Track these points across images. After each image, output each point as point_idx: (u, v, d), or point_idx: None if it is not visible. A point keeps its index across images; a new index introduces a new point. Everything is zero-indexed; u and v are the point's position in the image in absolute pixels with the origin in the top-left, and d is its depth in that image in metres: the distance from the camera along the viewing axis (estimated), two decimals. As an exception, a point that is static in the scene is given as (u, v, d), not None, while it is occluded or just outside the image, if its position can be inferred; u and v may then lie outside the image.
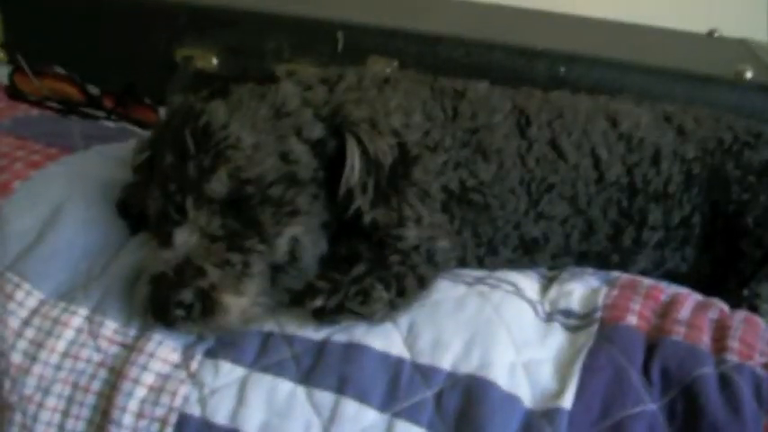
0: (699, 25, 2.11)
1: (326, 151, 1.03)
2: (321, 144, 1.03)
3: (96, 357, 0.99)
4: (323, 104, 1.06)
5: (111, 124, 1.49)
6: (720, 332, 0.98)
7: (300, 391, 0.92)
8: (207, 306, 0.93)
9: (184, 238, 0.96)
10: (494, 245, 1.17)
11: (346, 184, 1.01)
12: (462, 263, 1.14)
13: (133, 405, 0.94)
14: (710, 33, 2.10)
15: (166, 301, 0.93)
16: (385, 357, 0.94)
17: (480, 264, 1.16)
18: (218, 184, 0.97)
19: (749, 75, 1.54)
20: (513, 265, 1.17)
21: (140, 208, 1.09)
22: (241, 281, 0.96)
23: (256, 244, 0.98)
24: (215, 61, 1.73)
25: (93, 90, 1.52)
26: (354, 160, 1.02)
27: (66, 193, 1.13)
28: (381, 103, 1.11)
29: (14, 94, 1.52)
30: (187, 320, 0.94)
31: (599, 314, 1.00)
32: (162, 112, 1.48)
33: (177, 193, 0.98)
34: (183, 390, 0.94)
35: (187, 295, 0.93)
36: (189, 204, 0.97)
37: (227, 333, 0.97)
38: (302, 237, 1.01)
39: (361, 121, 1.04)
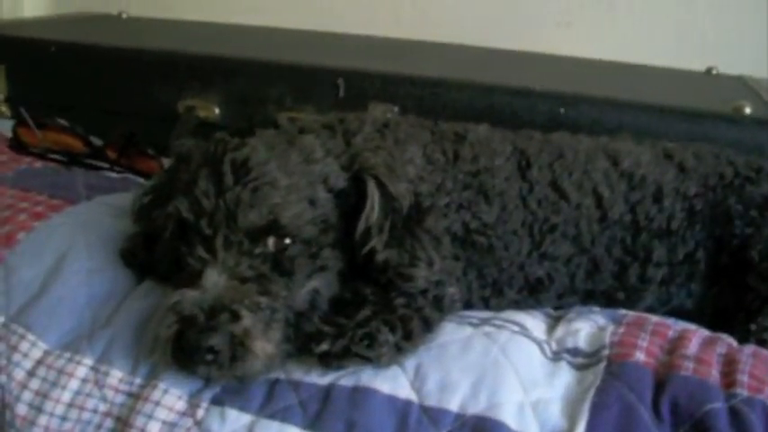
0: (697, 64, 2.13)
1: (347, 202, 1.04)
2: (343, 194, 1.04)
3: (102, 407, 0.98)
4: (341, 153, 1.07)
5: (113, 175, 1.49)
6: (729, 367, 0.97)
7: (308, 437, 0.92)
8: (237, 353, 0.92)
9: (215, 279, 0.95)
10: (499, 286, 1.17)
11: (365, 223, 1.02)
12: (467, 304, 1.14)
13: (140, 454, 0.94)
14: (709, 71, 2.11)
15: (196, 344, 0.91)
16: (392, 401, 0.93)
17: (486, 305, 1.16)
18: (257, 219, 0.97)
19: (748, 110, 1.55)
20: (519, 305, 1.17)
21: (145, 256, 1.10)
22: (270, 327, 0.95)
23: (281, 290, 0.97)
24: (217, 111, 1.75)
25: (96, 141, 1.53)
26: (375, 200, 1.03)
27: (70, 244, 1.14)
28: (398, 152, 1.12)
29: (17, 146, 1.53)
30: (211, 366, 0.92)
31: (606, 352, 1.00)
32: (165, 162, 1.49)
33: (207, 226, 0.97)
34: (190, 438, 0.93)
35: (219, 341, 0.91)
36: (219, 243, 0.96)
37: (247, 380, 0.96)
38: (322, 288, 1.01)
39: (379, 165, 1.05)
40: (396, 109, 1.65)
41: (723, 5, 2.29)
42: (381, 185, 1.04)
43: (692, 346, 1.01)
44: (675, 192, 1.24)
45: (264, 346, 0.94)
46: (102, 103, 1.84)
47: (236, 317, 0.93)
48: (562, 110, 1.59)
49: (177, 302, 0.95)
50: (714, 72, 2.11)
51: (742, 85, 1.95)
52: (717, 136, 1.50)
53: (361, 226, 1.03)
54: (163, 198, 1.05)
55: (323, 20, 2.39)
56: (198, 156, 1.04)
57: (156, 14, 2.48)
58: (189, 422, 0.94)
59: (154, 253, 1.07)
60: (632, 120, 1.57)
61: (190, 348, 0.92)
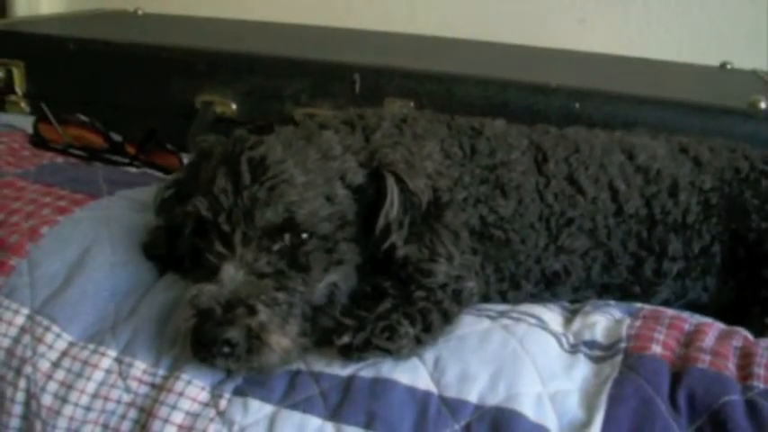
0: (711, 59, 2.13)
1: (365, 198, 1.06)
2: (361, 190, 1.05)
3: (126, 398, 1.00)
4: (360, 150, 1.08)
5: (133, 170, 1.51)
6: (745, 360, 0.98)
7: (329, 427, 0.93)
8: (253, 346, 0.94)
9: (232, 274, 0.97)
10: (516, 279, 1.18)
11: (385, 219, 1.04)
12: (485, 298, 1.15)
13: (164, 444, 0.95)
14: (723, 66, 2.11)
15: (213, 337, 0.93)
16: (412, 392, 0.94)
17: (503, 298, 1.17)
18: (274, 217, 0.98)
19: (763, 105, 1.55)
20: (536, 299, 1.18)
21: (167, 250, 1.11)
22: (287, 321, 0.96)
23: (299, 285, 0.99)
24: (234, 106, 1.76)
25: (115, 137, 1.54)
26: (394, 196, 1.04)
27: (93, 237, 1.15)
28: (416, 147, 1.14)
29: (39, 142, 1.55)
30: (229, 358, 0.94)
31: (623, 345, 1.01)
32: (184, 157, 1.50)
33: (226, 223, 0.99)
34: (213, 428, 0.95)
35: (235, 334, 0.93)
36: (237, 239, 0.98)
37: (265, 373, 0.97)
38: (341, 282, 1.03)
39: (398, 161, 1.06)
40: (411, 105, 1.66)
41: (741, 2, 2.29)
42: (400, 181, 1.05)
43: (709, 340, 1.02)
44: (691, 185, 1.24)
45: (280, 339, 0.95)
46: (120, 99, 1.85)
47: (252, 311, 0.94)
48: (577, 105, 1.59)
49: (195, 296, 0.96)
50: (729, 67, 2.11)
51: (757, 79, 1.95)
52: (732, 131, 1.50)
53: (380, 222, 1.04)
54: (184, 193, 1.07)
55: (339, 16, 2.40)
56: (217, 153, 1.05)
57: (172, 11, 2.49)
58: (212, 412, 0.96)
59: (175, 246, 1.09)
60: (647, 115, 1.57)
61: (207, 341, 0.94)
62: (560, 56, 2.14)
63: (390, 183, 1.05)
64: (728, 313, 1.18)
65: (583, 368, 0.98)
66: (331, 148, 1.06)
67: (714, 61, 2.13)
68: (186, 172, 1.14)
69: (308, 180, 1.01)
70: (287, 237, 0.99)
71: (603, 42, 2.22)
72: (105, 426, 0.99)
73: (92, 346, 1.04)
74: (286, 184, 1.00)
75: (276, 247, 0.99)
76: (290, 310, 0.97)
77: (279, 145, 1.03)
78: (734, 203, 1.23)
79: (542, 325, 1.04)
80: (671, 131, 1.37)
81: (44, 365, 1.04)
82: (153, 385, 1.00)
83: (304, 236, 1.00)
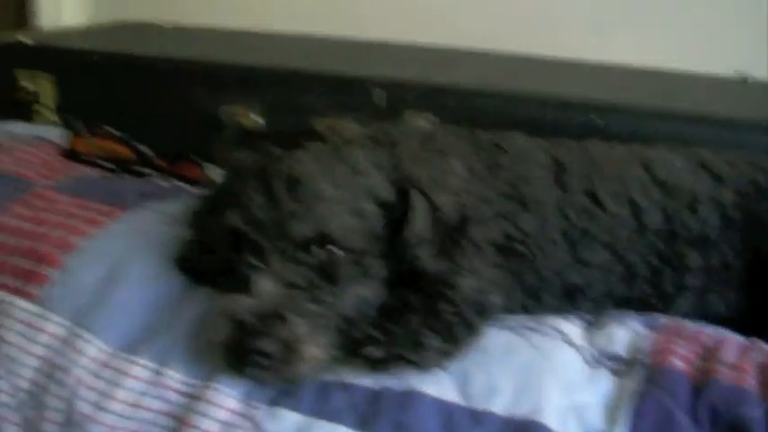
0: (730, 70, 2.13)
1: (392, 213, 1.08)
2: (388, 205, 1.08)
3: (161, 407, 1.02)
4: (386, 165, 1.11)
5: (162, 182, 1.54)
6: (766, 373, 0.99)
7: (359, 437, 0.95)
8: (287, 357, 0.96)
9: (265, 285, 0.99)
10: (537, 293, 1.20)
11: (411, 234, 1.06)
12: (508, 310, 1.16)
13: (197, 453, 0.98)
14: (743, 78, 2.11)
15: (248, 348, 0.95)
16: (439, 404, 0.97)
17: (525, 311, 1.19)
18: (306, 230, 1.01)
19: (783, 118, 1.56)
20: (557, 311, 1.19)
21: (199, 263, 1.14)
22: (319, 332, 0.99)
23: (329, 297, 1.01)
24: (258, 119, 1.78)
25: (145, 150, 1.57)
26: (420, 212, 1.06)
27: (128, 250, 1.18)
28: (441, 163, 1.16)
29: (70, 154, 1.58)
30: (262, 369, 0.96)
31: (644, 358, 1.03)
32: (209, 168, 1.53)
33: (259, 235, 1.01)
34: (245, 437, 0.97)
35: (270, 345, 0.95)
36: (270, 252, 1.01)
37: (296, 383, 0.99)
38: (369, 294, 1.05)
39: (423, 177, 1.09)
40: (433, 118, 1.67)
41: (758, 12, 2.29)
42: (426, 197, 1.07)
43: (729, 353, 1.03)
44: (710, 199, 1.25)
45: (313, 350, 0.98)
46: (147, 110, 1.86)
47: (286, 322, 0.97)
48: (596, 118, 1.60)
49: (229, 308, 0.99)
50: (749, 79, 2.11)
51: (777, 92, 1.96)
52: (752, 144, 1.50)
53: (406, 237, 1.06)
54: (218, 207, 1.10)
55: (354, 27, 2.41)
56: (250, 168, 1.08)
57: (193, 23, 2.51)
58: (244, 422, 0.98)
59: (208, 260, 1.12)
60: (666, 128, 1.57)
61: (242, 352, 0.96)
62: (580, 68, 2.14)
63: (416, 198, 1.07)
64: (748, 326, 1.18)
65: (605, 381, 1.00)
66: (359, 163, 1.09)
67: (733, 73, 2.13)
68: (220, 187, 1.17)
69: (338, 195, 1.04)
70: (318, 250, 1.02)
71: (622, 53, 2.23)
72: (140, 434, 1.02)
73: (127, 356, 1.07)
74: (317, 198, 1.02)
75: (308, 259, 1.02)
76: (322, 321, 0.99)
77: (310, 160, 1.06)
78: (753, 217, 1.24)
79: (565, 338, 1.06)
80: (690, 145, 1.38)
81: (80, 374, 1.07)
82: (187, 395, 1.02)
83: (334, 249, 1.02)
